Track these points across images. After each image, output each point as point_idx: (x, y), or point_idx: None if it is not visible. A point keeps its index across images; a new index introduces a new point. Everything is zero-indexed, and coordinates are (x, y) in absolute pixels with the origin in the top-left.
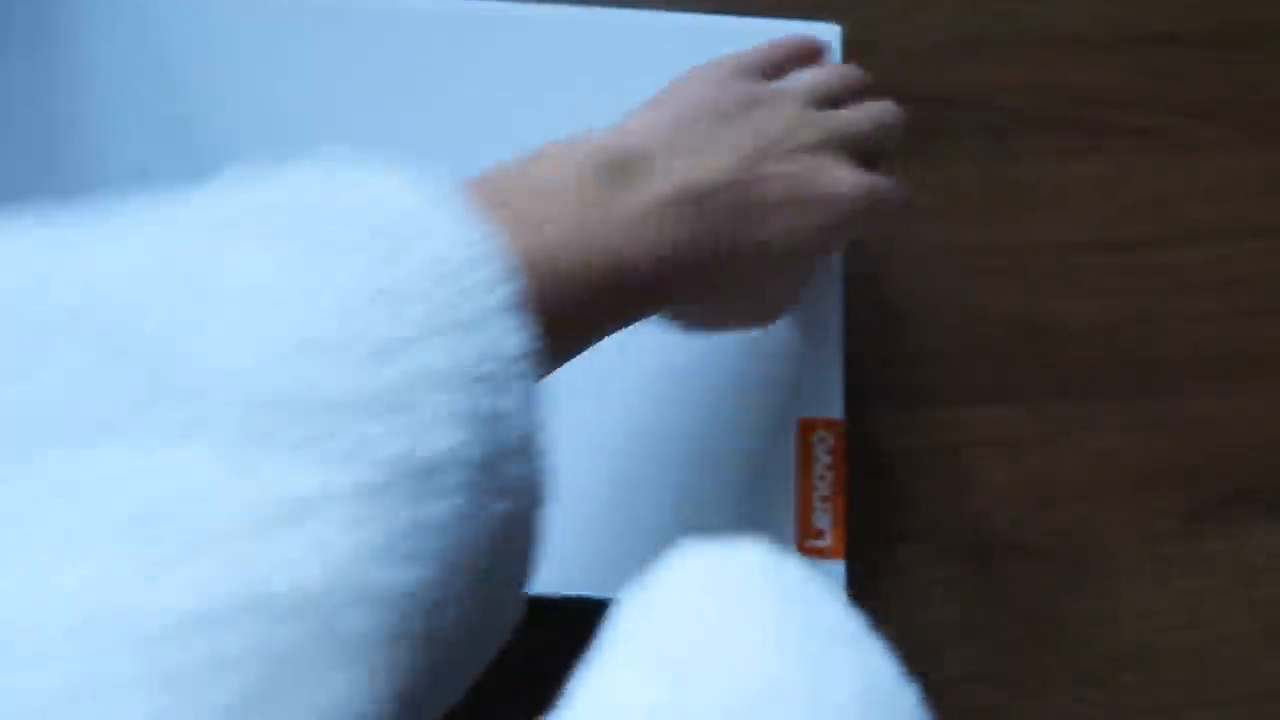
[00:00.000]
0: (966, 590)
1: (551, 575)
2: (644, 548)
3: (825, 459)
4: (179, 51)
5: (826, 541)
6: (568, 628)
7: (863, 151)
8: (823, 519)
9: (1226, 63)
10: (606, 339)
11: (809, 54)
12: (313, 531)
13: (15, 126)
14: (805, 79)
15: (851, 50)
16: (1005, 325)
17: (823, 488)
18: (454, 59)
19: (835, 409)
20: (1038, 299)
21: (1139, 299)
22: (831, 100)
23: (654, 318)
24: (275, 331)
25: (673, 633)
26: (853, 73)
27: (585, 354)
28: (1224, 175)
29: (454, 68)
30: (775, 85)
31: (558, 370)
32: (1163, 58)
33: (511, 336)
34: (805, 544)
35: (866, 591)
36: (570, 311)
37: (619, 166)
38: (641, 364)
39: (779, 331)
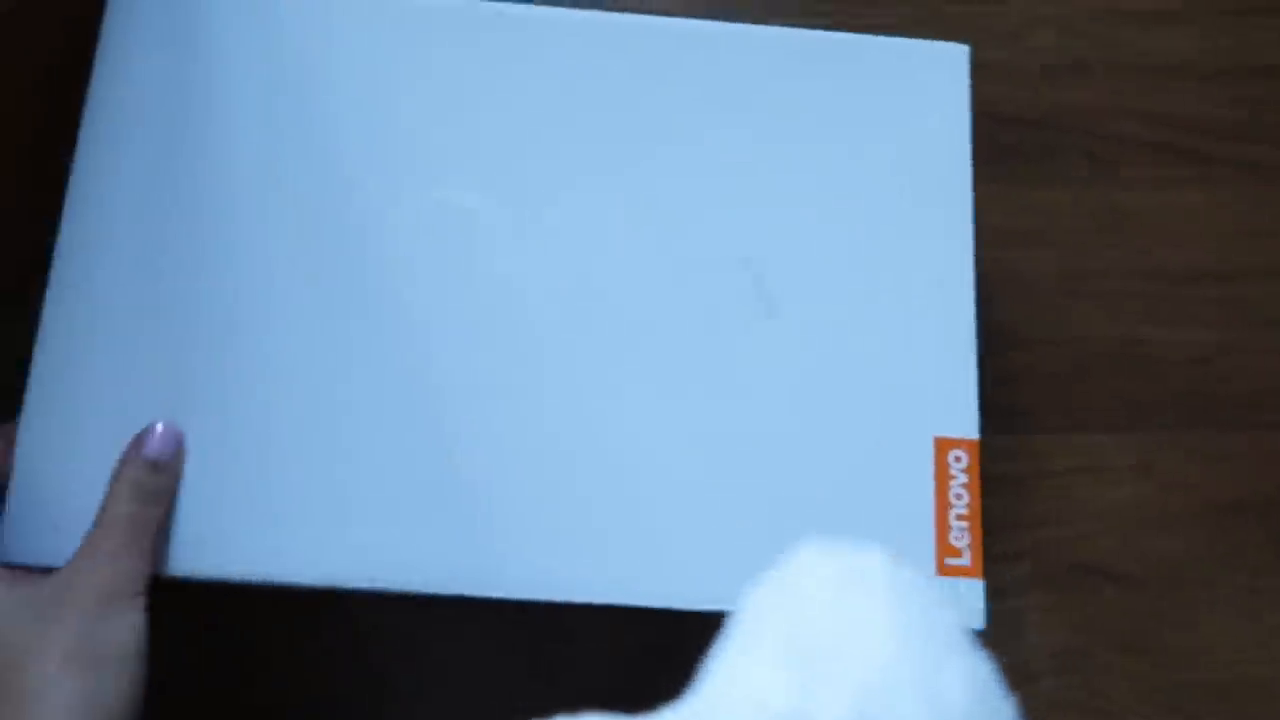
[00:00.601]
0: (1061, 616)
1: (684, 590)
2: (757, 558)
3: (961, 478)
4: (309, 51)
5: (965, 560)
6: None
7: None
8: (960, 538)
9: None
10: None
11: None
12: None
13: (148, 123)
14: None
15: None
16: (1103, 352)
17: (959, 506)
18: (588, 68)
19: (970, 428)
20: (1135, 326)
21: (1233, 331)
22: None
23: None
24: None
25: (802, 623)
26: None
27: (716, 367)
28: None
29: (587, 77)
30: None
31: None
32: (1266, 90)
33: None
34: (944, 563)
35: None
36: None
37: None
38: (773, 375)
39: (911, 347)
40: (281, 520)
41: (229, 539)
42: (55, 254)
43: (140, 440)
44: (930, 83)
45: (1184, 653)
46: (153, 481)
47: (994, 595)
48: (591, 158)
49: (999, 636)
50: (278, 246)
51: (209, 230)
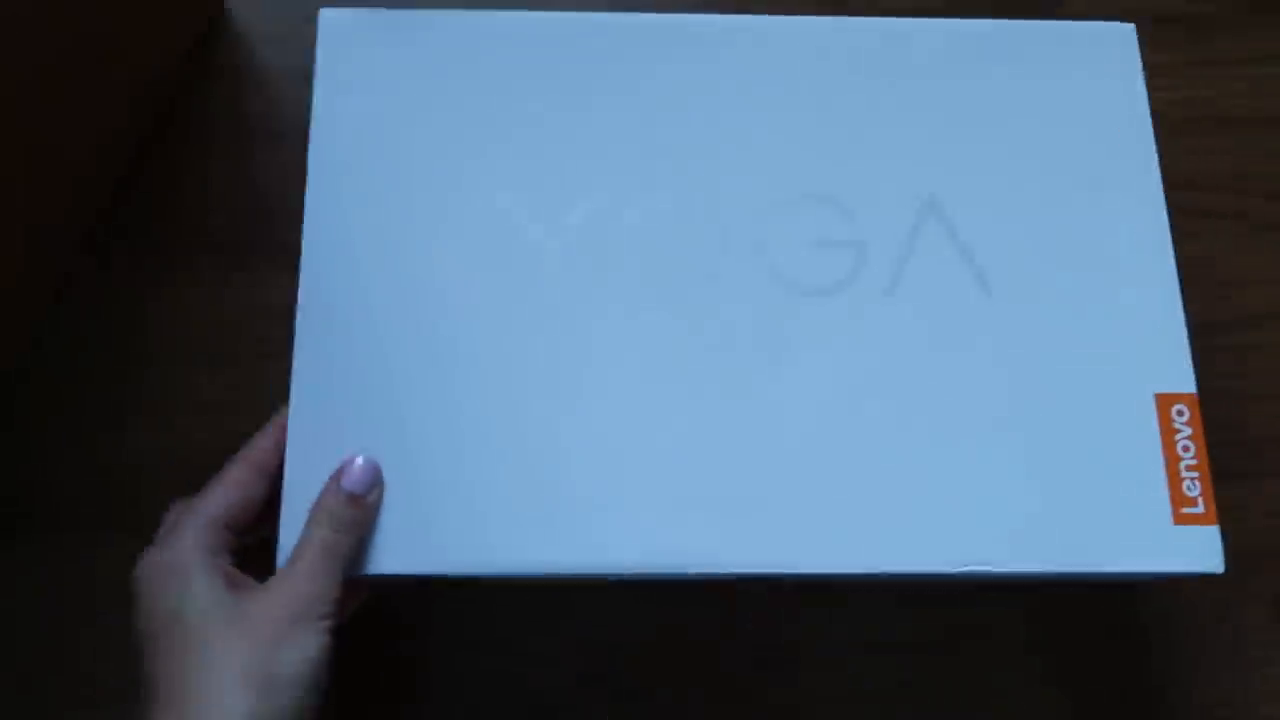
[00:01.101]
0: None
1: (940, 553)
2: (1005, 519)
3: (1186, 430)
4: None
5: (1200, 509)
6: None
7: None
8: (1192, 489)
9: None
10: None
11: None
12: None
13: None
14: None
15: None
16: None
17: (1187, 458)
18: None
19: (1188, 382)
20: None
21: (1225, 380)
22: None
23: None
24: None
25: None
26: None
27: (940, 344)
28: None
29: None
30: None
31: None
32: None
33: None
34: (1180, 512)
35: None
36: None
37: None
38: (993, 348)
39: (1119, 310)
40: (490, 516)
41: (441, 535)
42: (299, 294)
43: (340, 473)
44: (1104, 61)
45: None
46: (349, 513)
47: None
48: (786, 152)
49: None
50: (477, 274)
51: (422, 263)
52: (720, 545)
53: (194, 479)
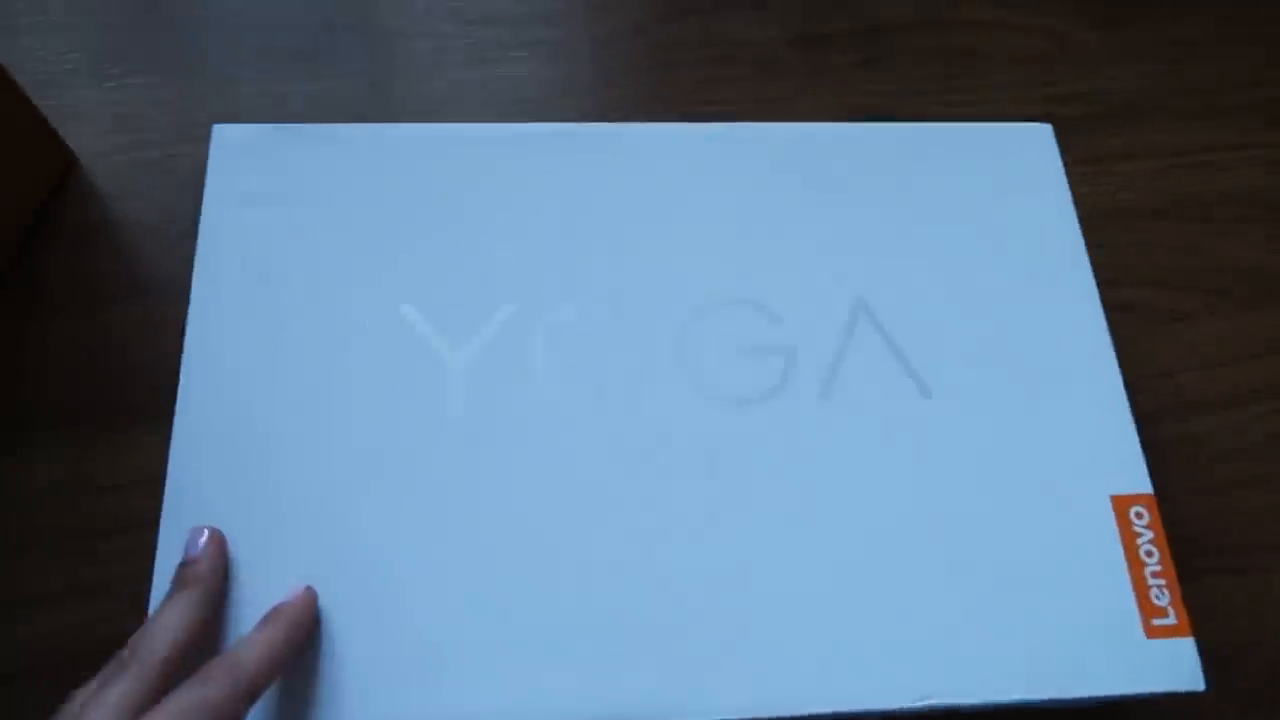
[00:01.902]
0: None
1: (891, 687)
2: (962, 644)
3: (1147, 534)
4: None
5: (1171, 619)
6: None
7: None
8: (1161, 597)
9: None
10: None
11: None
12: None
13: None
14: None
15: None
16: None
17: (1152, 564)
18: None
19: (1143, 482)
20: None
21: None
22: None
23: None
24: None
25: None
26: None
27: (880, 454)
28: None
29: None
30: None
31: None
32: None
33: None
34: (1151, 625)
35: None
36: None
37: None
38: (935, 455)
39: (1064, 412)
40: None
41: (386, 689)
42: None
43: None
44: (1025, 159)
45: None
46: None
47: None
48: (711, 254)
49: None
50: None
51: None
52: (644, 692)
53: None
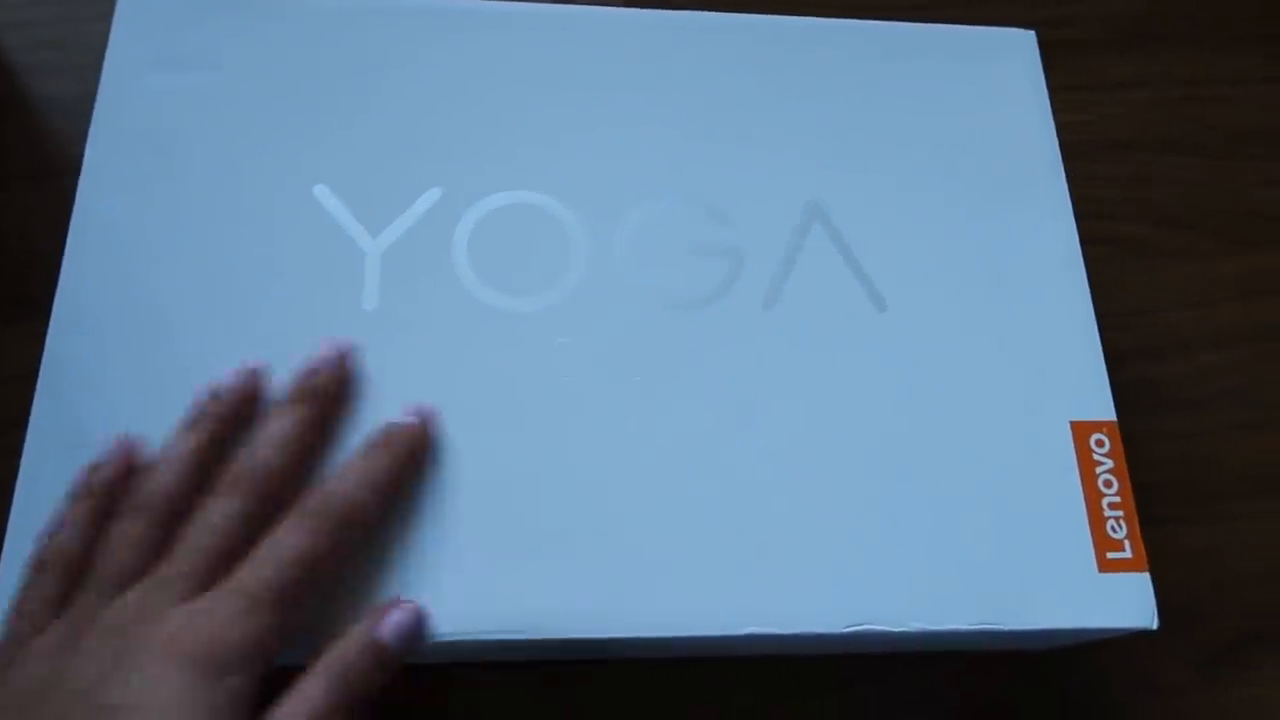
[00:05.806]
0: None
1: (853, 610)
2: (900, 570)
3: (1106, 463)
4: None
5: (1127, 553)
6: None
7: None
8: (1117, 529)
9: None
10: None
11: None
12: None
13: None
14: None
15: None
16: None
17: (1110, 494)
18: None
19: (1106, 409)
20: None
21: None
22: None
23: None
24: None
25: None
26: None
27: (831, 370)
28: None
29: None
30: None
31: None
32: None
33: None
34: (1105, 558)
35: None
36: None
37: None
38: (889, 374)
39: (1029, 333)
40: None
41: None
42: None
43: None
44: (1005, 67)
45: None
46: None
47: None
48: (678, 154)
49: None
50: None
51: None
52: (583, 609)
53: None
